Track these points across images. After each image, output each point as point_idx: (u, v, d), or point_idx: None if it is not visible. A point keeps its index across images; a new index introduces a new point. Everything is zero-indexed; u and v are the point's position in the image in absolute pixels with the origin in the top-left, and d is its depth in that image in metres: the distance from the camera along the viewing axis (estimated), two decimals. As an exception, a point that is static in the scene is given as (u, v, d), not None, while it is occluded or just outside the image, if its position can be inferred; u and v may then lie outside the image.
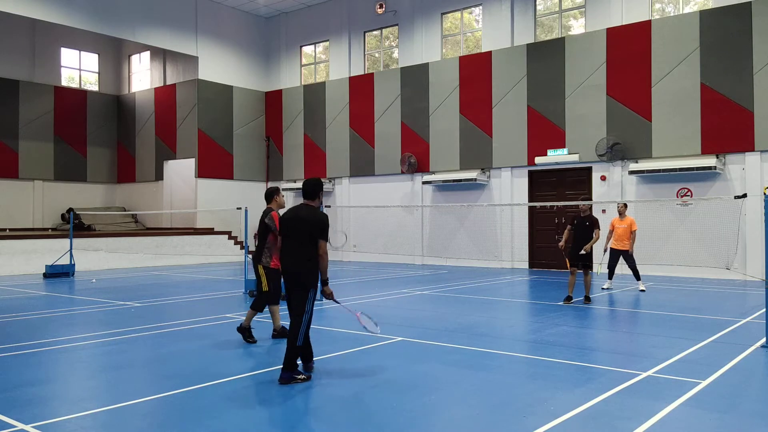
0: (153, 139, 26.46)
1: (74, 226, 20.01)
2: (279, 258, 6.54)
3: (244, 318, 8.36)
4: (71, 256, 18.05)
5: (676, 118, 17.24)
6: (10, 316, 10.51)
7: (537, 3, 20.18)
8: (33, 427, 4.84)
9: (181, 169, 25.67)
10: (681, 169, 16.68)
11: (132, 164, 27.34)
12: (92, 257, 20.00)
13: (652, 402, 5.45)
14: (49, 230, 24.19)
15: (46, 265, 17.60)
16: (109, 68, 27.96)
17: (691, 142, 16.99)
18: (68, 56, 26.72)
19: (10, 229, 22.98)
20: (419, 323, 9.68)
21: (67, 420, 5.05)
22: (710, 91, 16.74)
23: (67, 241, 18.96)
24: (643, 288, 13.70)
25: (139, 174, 27.08)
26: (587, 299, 11.73)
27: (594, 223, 11.48)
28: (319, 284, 6.34)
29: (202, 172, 24.67)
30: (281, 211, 7.40)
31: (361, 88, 23.83)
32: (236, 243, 24.72)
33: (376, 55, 24.22)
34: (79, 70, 27.22)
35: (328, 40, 25.20)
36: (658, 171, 17.03)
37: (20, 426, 4.86)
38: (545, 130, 19.39)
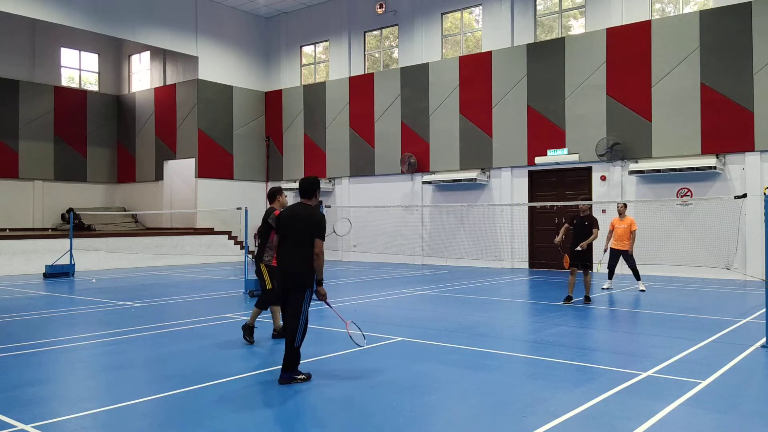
0: (153, 139, 26.46)
1: (74, 226, 20.00)
2: (276, 257, 6.51)
3: (249, 318, 8.33)
4: (71, 256, 18.05)
5: (676, 118, 17.24)
6: (10, 316, 10.51)
7: (537, 3, 20.18)
8: (33, 427, 4.84)
9: (181, 169, 25.67)
10: (681, 169, 16.68)
11: (132, 164, 27.35)
12: (92, 257, 20.00)
13: (652, 402, 5.45)
14: (49, 230, 24.19)
15: (46, 265, 17.60)
16: (109, 68, 27.96)
17: (691, 142, 16.99)
18: (68, 56, 26.72)
19: (10, 229, 22.98)
20: (419, 323, 9.68)
21: (67, 420, 5.05)
22: (710, 91, 16.74)
23: (67, 241, 18.96)
24: (643, 288, 13.70)
25: (139, 174, 27.08)
26: (587, 299, 11.73)
27: (593, 223, 11.48)
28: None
29: (202, 172, 24.67)
30: None
31: (361, 88, 23.83)
32: (236, 243, 24.72)
33: (376, 55, 24.22)
34: (79, 70, 27.22)
35: (328, 40, 25.20)
36: (658, 171, 17.03)
37: (20, 426, 4.86)
38: (545, 130, 19.39)
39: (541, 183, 19.83)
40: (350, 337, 6.80)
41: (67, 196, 25.89)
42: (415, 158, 22.04)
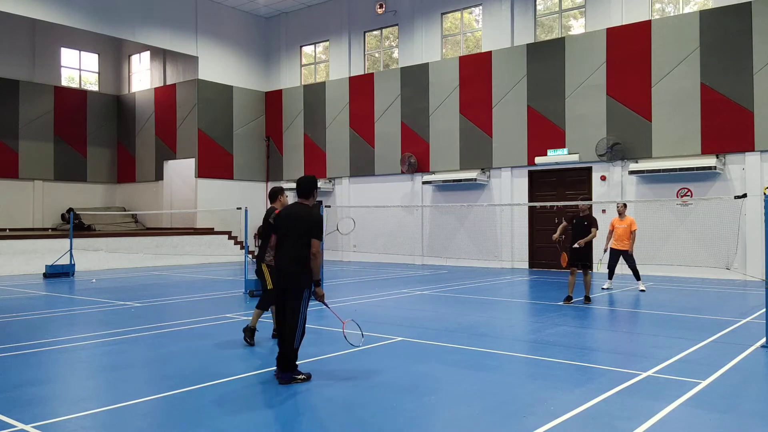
0: (153, 139, 26.46)
1: (74, 226, 20.00)
2: (274, 257, 6.49)
3: (251, 319, 8.30)
4: (71, 256, 18.05)
5: (676, 118, 17.24)
6: (10, 316, 10.51)
7: (537, 3, 20.18)
8: (33, 427, 4.84)
9: (181, 169, 25.67)
10: (681, 169, 16.68)
11: (132, 164, 27.35)
12: (92, 257, 20.00)
13: (652, 402, 5.45)
14: (49, 230, 24.19)
15: (46, 265, 17.60)
16: (109, 68, 27.96)
17: (691, 142, 16.99)
18: (68, 56, 26.72)
19: (10, 229, 22.98)
20: (419, 323, 9.68)
21: (67, 420, 5.05)
22: (710, 91, 16.74)
23: (67, 241, 18.95)
24: (643, 288, 13.70)
25: (139, 174, 27.08)
26: (587, 299, 11.73)
27: (592, 223, 11.50)
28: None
29: (202, 172, 24.67)
30: None
31: (361, 88, 23.83)
32: (236, 243, 24.72)
33: (376, 55, 24.22)
34: (79, 70, 27.22)
35: (328, 40, 25.20)
36: (658, 171, 17.03)
37: (20, 426, 4.86)
38: (545, 130, 19.39)
39: (541, 183, 19.83)
40: (345, 337, 6.78)
41: (67, 196, 25.89)
42: (415, 158, 22.04)
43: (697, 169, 16.45)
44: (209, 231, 24.49)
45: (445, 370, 6.72)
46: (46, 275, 17.30)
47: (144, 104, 26.94)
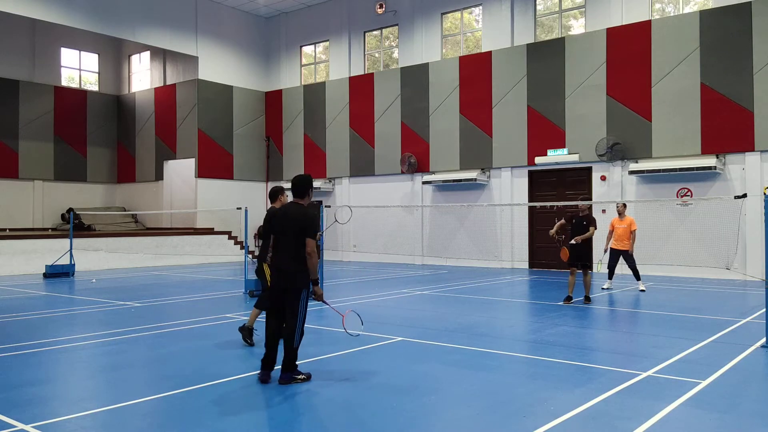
0: (153, 139, 26.47)
1: (74, 226, 20.00)
2: (271, 257, 6.45)
3: (248, 318, 8.28)
4: (71, 256, 18.05)
5: (676, 118, 17.24)
6: (10, 316, 10.51)
7: (537, 3, 20.18)
8: (33, 427, 4.84)
9: (181, 169, 25.67)
10: (681, 169, 16.68)
11: (132, 164, 27.35)
12: (92, 257, 20.00)
13: (652, 402, 5.45)
14: (49, 230, 24.19)
15: (46, 265, 17.60)
16: (109, 68, 27.96)
17: (691, 142, 16.99)
18: (68, 56, 26.72)
19: (10, 229, 22.98)
20: (419, 323, 9.68)
21: (67, 420, 5.05)
22: (710, 91, 16.74)
23: (67, 241, 18.95)
24: (643, 288, 13.70)
25: (139, 174, 27.08)
26: (587, 299, 11.73)
27: (591, 222, 11.52)
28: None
29: (202, 172, 24.67)
30: None
31: (361, 88, 23.83)
32: (236, 243, 24.72)
33: (376, 55, 24.22)
34: (79, 70, 27.23)
35: (328, 40, 25.20)
36: (658, 171, 17.03)
37: (20, 426, 4.86)
38: (545, 130, 19.39)
39: (541, 183, 19.83)
40: (344, 327, 6.76)
41: (67, 196, 25.89)
42: (415, 158, 22.04)
43: (697, 169, 16.45)
44: (209, 231, 24.50)
45: (445, 370, 6.72)
46: (46, 275, 17.30)
47: (144, 104, 26.94)
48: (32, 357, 7.41)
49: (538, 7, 20.24)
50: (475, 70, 20.90)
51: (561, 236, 11.81)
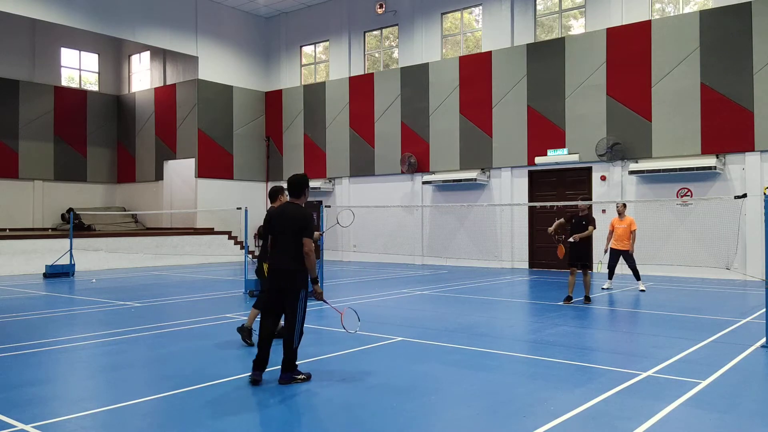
0: (153, 139, 26.47)
1: (74, 226, 20.00)
2: (269, 257, 6.43)
3: (247, 318, 8.28)
4: (71, 256, 18.05)
5: (676, 118, 17.24)
6: (10, 316, 10.51)
7: (537, 3, 20.18)
8: (33, 427, 4.84)
9: (181, 169, 25.67)
10: (681, 169, 16.68)
11: (132, 164, 27.35)
12: (92, 257, 20.00)
13: (652, 402, 5.45)
14: (49, 230, 24.19)
15: (46, 265, 17.60)
16: (109, 68, 27.96)
17: (691, 142, 16.99)
18: (68, 56, 26.72)
19: (10, 229, 22.98)
20: (419, 323, 9.67)
21: (67, 420, 5.05)
22: (710, 91, 16.74)
23: (67, 241, 18.95)
24: (643, 288, 13.70)
25: (139, 174, 27.08)
26: (587, 299, 11.73)
27: (590, 222, 11.53)
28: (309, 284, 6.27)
29: (202, 172, 24.67)
30: None
31: (361, 88, 23.83)
32: (236, 243, 24.72)
33: (376, 55, 24.22)
34: (79, 70, 27.22)
35: (328, 40, 25.20)
36: (658, 171, 17.03)
37: (20, 426, 4.86)
38: (545, 130, 19.39)
39: (541, 183, 19.83)
40: (342, 325, 6.77)
41: (67, 196, 25.88)
42: (415, 158, 22.04)
43: (697, 169, 16.45)
44: (209, 231, 24.50)
45: (445, 370, 6.72)
46: (46, 275, 17.30)
47: (144, 104, 26.94)
48: (32, 357, 7.41)
49: (538, 7, 20.24)
50: (475, 70, 20.90)
51: (561, 236, 11.81)
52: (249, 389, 5.97)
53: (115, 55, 28.12)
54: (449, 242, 21.16)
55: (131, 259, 20.99)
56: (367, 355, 7.40)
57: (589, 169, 18.82)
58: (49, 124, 25.57)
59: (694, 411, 5.26)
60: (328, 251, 23.28)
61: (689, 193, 16.94)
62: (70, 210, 22.78)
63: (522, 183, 19.97)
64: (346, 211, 9.98)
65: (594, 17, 18.85)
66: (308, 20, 25.55)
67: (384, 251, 21.81)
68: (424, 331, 8.91)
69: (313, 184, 24.48)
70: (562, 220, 11.79)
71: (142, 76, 27.61)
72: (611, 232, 13.98)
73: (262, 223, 8.47)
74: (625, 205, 14.08)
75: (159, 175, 26.19)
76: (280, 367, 6.21)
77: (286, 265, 6.15)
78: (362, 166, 23.75)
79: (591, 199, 18.07)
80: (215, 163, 25.06)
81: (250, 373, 6.19)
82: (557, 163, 19.15)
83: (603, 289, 13.92)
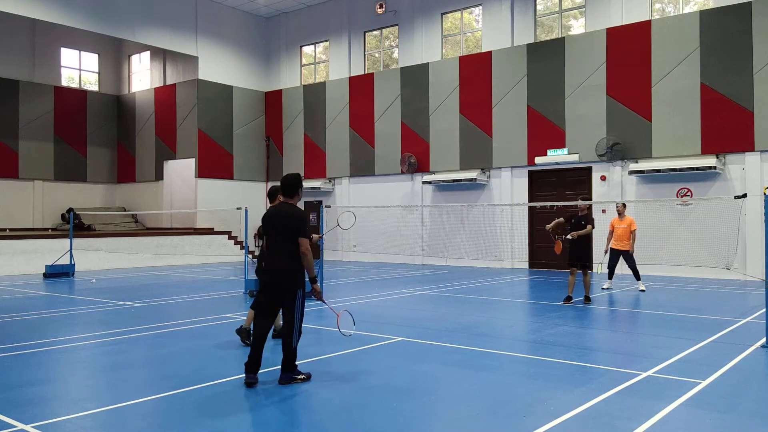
0: (153, 139, 26.47)
1: (74, 226, 20.00)
2: (264, 258, 6.41)
3: (245, 319, 8.28)
4: (71, 256, 18.04)
5: (676, 118, 17.24)
6: (10, 316, 10.51)
7: (537, 3, 20.18)
8: (33, 427, 4.84)
9: (181, 169, 25.67)
10: (681, 169, 16.68)
11: (132, 164, 27.35)
12: (92, 257, 20.00)
13: (652, 402, 5.45)
14: (49, 230, 24.19)
15: (46, 265, 17.60)
16: (109, 68, 27.96)
17: (691, 142, 16.99)
18: (68, 56, 26.72)
19: (10, 229, 22.98)
20: (419, 323, 9.67)
21: (67, 420, 5.05)
22: (710, 91, 16.74)
23: (67, 241, 18.95)
24: (643, 288, 13.70)
25: (139, 174, 27.08)
26: (587, 299, 11.73)
27: (589, 222, 11.54)
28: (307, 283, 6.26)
29: (202, 172, 24.67)
30: None
31: (361, 88, 23.83)
32: (236, 243, 24.72)
33: (376, 55, 24.22)
34: (79, 70, 27.23)
35: (328, 40, 25.20)
36: (658, 171, 17.03)
37: (20, 426, 4.86)
38: (545, 130, 19.39)
39: (541, 183, 19.83)
40: (338, 328, 6.76)
41: (67, 196, 25.89)
42: (415, 158, 22.04)
43: (697, 169, 16.44)
44: (209, 231, 24.50)
45: (445, 370, 6.72)
46: (46, 275, 17.30)
47: (144, 104, 26.94)
48: (32, 357, 7.41)
49: (538, 7, 20.24)
50: (475, 70, 20.90)
51: (562, 236, 11.81)
52: (249, 389, 5.96)
53: (115, 55, 28.12)
54: (449, 242, 21.17)
55: (131, 259, 21.00)
56: (367, 355, 7.40)
57: (589, 169, 18.82)
58: (49, 124, 25.57)
59: (694, 411, 5.26)
60: (328, 251, 23.27)
61: (689, 193, 16.94)
62: (70, 210, 22.78)
63: (522, 183, 19.97)
64: (347, 213, 9.97)
65: (594, 17, 18.85)
66: (308, 20, 25.55)
67: (384, 251, 21.81)
68: (424, 331, 8.91)
69: (313, 184, 24.49)
70: (561, 219, 11.79)
71: (142, 76, 27.61)
72: (611, 233, 13.98)
73: (261, 223, 8.47)
74: (624, 205, 14.08)
75: (159, 175, 26.19)
76: (279, 367, 6.22)
77: (282, 265, 6.13)
78: (362, 166, 23.75)
79: (591, 199, 18.07)
80: (215, 163, 25.06)
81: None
82: (557, 163, 19.15)
83: (603, 289, 13.91)
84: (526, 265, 19.83)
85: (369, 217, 21.61)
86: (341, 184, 24.44)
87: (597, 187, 18.60)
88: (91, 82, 27.64)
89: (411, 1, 22.62)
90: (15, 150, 24.54)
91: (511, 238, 19.86)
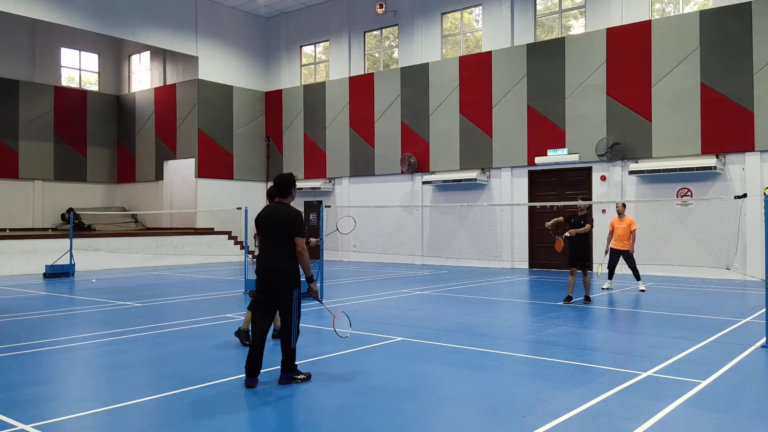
0: (153, 139, 26.47)
1: (74, 226, 20.00)
2: (258, 258, 6.39)
3: (243, 321, 8.26)
4: (71, 256, 18.04)
5: (676, 118, 17.24)
6: (10, 316, 10.51)
7: (537, 3, 20.18)
8: (33, 427, 4.84)
9: (181, 169, 25.67)
10: (681, 169, 16.68)
11: (132, 164, 27.35)
12: (92, 257, 20.00)
13: (652, 402, 5.45)
14: (49, 230, 24.19)
15: (46, 265, 17.60)
16: (109, 68, 27.96)
17: (691, 142, 16.99)
18: (68, 56, 26.72)
19: (10, 229, 22.98)
20: (419, 323, 9.67)
21: (67, 420, 5.05)
22: (710, 91, 16.74)
23: (67, 241, 18.96)
24: (643, 288, 13.70)
25: (139, 174, 27.08)
26: (587, 299, 11.73)
27: (588, 221, 11.54)
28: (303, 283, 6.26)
29: (202, 172, 24.67)
30: None
31: (361, 88, 23.83)
32: (236, 243, 24.72)
33: (376, 55, 24.22)
34: (79, 70, 27.23)
35: (328, 40, 25.20)
36: (658, 171, 17.03)
37: (20, 426, 4.86)
38: (545, 130, 19.39)
39: (541, 183, 19.83)
40: (335, 329, 6.75)
41: (67, 196, 25.89)
42: (415, 158, 22.04)
43: (697, 169, 16.44)
44: (209, 231, 24.50)
45: (445, 370, 6.72)
46: (46, 275, 17.30)
47: (144, 104, 26.94)
48: (32, 357, 7.41)
49: (538, 7, 20.24)
50: (475, 70, 20.90)
51: (564, 235, 11.81)
52: (249, 389, 5.96)
53: (115, 55, 28.12)
54: (449, 242, 21.17)
55: (131, 259, 21.00)
56: (367, 355, 7.40)
57: (589, 169, 18.82)
58: (49, 124, 25.57)
59: (694, 411, 5.26)
60: (328, 251, 23.25)
61: (689, 193, 16.94)
62: (70, 210, 22.77)
63: (522, 183, 19.97)
64: (346, 217, 9.98)
65: (594, 17, 18.85)
66: (308, 20, 25.55)
67: (384, 251, 21.81)
68: (424, 331, 8.91)
69: (313, 184, 24.50)
70: (560, 219, 11.80)
71: (142, 76, 27.61)
72: (611, 233, 13.97)
73: (254, 225, 8.46)
74: (624, 205, 14.07)
75: (159, 175, 26.19)
76: (279, 367, 6.21)
77: (277, 265, 6.10)
78: (362, 166, 23.75)
79: (591, 199, 18.07)
80: (215, 163, 25.06)
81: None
82: (557, 163, 19.15)
83: (603, 289, 13.91)
84: (526, 265, 19.83)
85: (369, 217, 21.61)
86: (341, 184, 24.44)
87: (597, 187, 18.61)
88: (91, 82, 27.64)
89: (411, 1, 22.62)
90: (15, 150, 24.54)
91: (511, 238, 19.86)
